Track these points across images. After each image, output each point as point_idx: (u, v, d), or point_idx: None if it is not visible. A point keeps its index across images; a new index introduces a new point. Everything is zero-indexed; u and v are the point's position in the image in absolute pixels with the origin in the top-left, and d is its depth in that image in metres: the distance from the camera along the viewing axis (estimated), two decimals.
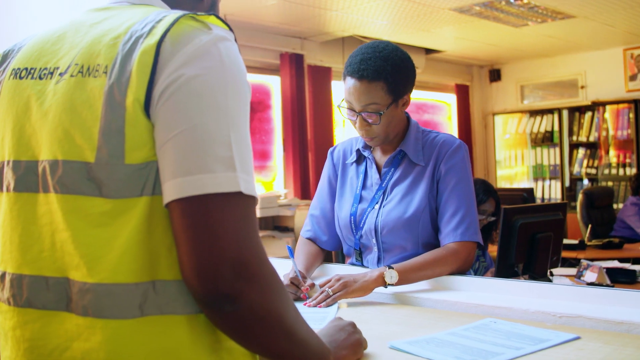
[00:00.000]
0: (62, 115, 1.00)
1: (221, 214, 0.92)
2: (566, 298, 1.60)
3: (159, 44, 0.96)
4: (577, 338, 1.34)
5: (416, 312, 1.63)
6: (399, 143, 2.01)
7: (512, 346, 1.28)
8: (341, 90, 1.98)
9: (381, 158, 2.05)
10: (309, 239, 2.14)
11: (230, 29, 1.07)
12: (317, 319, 1.59)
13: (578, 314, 1.46)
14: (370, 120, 1.91)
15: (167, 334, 0.97)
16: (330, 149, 2.21)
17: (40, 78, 1.05)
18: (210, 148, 0.93)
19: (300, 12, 5.48)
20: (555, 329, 1.42)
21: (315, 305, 1.69)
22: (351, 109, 1.93)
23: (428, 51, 7.29)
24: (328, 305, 1.69)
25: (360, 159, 2.10)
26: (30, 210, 1.03)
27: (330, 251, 2.22)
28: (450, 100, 8.35)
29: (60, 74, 1.03)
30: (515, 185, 8.16)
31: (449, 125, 8.38)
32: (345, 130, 6.76)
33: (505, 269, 2.93)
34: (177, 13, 1.00)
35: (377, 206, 1.99)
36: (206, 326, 0.98)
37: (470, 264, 1.91)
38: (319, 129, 6.43)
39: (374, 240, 1.98)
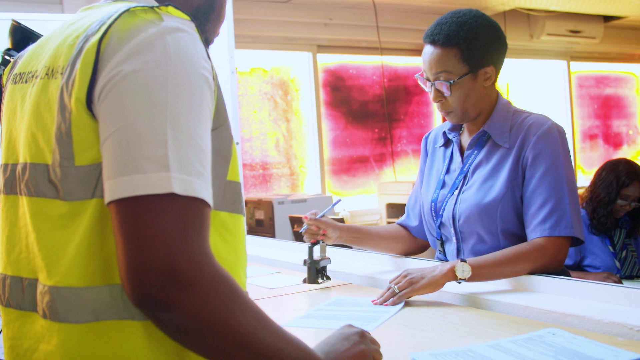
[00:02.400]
0: (30, 119, 1.01)
1: (152, 217, 0.86)
2: None
3: (100, 41, 0.92)
4: None
5: (476, 316, 1.46)
6: (484, 123, 1.81)
7: None
8: None
9: (467, 140, 1.86)
10: (399, 224, 2.04)
11: (192, 19, 1.01)
12: (370, 317, 1.48)
13: None
14: (442, 90, 1.75)
15: (123, 339, 0.94)
16: (426, 134, 2.06)
17: (26, 82, 1.07)
18: (142, 147, 0.87)
19: None
20: (626, 345, 1.18)
21: (381, 304, 1.58)
22: (427, 78, 1.78)
23: (607, 18, 6.62)
24: (395, 304, 1.57)
25: (448, 142, 1.93)
26: (15, 212, 1.05)
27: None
28: (637, 71, 7.54)
29: (36, 77, 1.04)
30: None
31: (638, 99, 7.58)
32: None
33: None
34: (129, 6, 0.96)
35: (456, 192, 1.81)
36: None
37: (562, 262, 1.67)
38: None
39: (452, 230, 1.81)
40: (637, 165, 2.99)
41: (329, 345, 1.10)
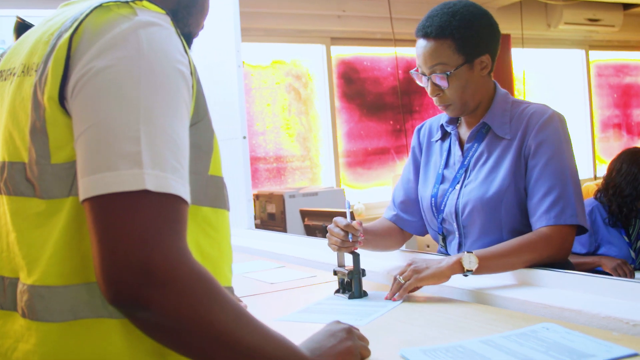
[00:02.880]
0: (7, 117, 1.01)
1: (125, 215, 0.85)
2: None
3: (71, 37, 0.92)
4: (634, 355, 1.08)
5: (473, 311, 1.43)
6: (484, 115, 1.78)
7: None
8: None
9: (465, 133, 1.83)
10: (388, 219, 1.99)
11: (174, 13, 1.00)
12: (366, 312, 1.46)
13: None
14: (439, 83, 1.72)
15: (102, 338, 0.94)
16: (418, 126, 2.03)
17: (5, 79, 1.06)
18: (114, 144, 0.86)
19: None
20: (620, 340, 1.16)
21: (390, 298, 1.55)
22: (422, 73, 1.75)
23: (626, 6, 6.51)
24: (401, 297, 1.54)
25: (445, 135, 1.90)
26: (1, 211, 1.05)
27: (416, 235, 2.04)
28: None
29: (14, 75, 1.03)
30: None
31: None
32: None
33: None
34: (102, 1, 0.95)
35: (458, 186, 1.78)
36: None
37: (568, 251, 1.63)
38: None
39: (454, 224, 1.78)
40: None
41: (315, 342, 1.08)
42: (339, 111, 5.55)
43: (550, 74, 6.74)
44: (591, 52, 6.94)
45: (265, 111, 5.26)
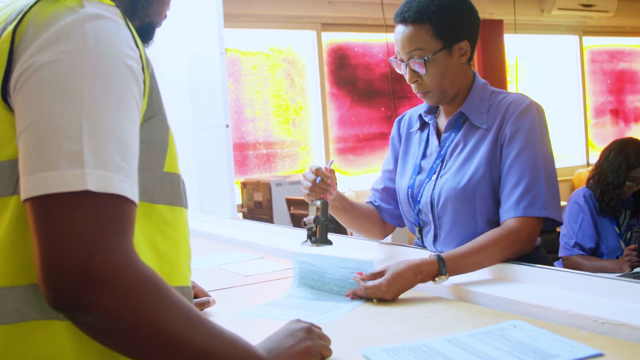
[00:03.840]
0: None
1: (66, 216, 0.82)
2: (635, 300, 1.28)
3: (15, 30, 0.89)
4: (599, 355, 1.06)
5: (443, 307, 1.41)
6: (461, 104, 1.75)
7: None
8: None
9: (444, 123, 1.80)
10: (370, 203, 1.98)
11: (118, 5, 0.96)
12: (333, 307, 1.44)
13: (623, 322, 1.16)
14: (417, 69, 1.69)
15: (49, 340, 0.91)
16: (399, 117, 2.00)
17: None
18: (55, 142, 0.83)
19: None
20: (587, 339, 1.13)
21: (351, 296, 1.52)
22: (401, 60, 1.72)
23: None
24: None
25: (424, 125, 1.87)
26: None
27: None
28: None
29: None
30: None
31: None
32: (519, 88, 6.25)
33: None
34: None
35: (434, 176, 1.75)
36: None
37: (533, 243, 1.60)
38: None
39: (430, 215, 1.75)
40: None
41: (273, 342, 1.06)
42: (329, 98, 5.51)
43: (543, 60, 6.70)
44: (585, 38, 6.89)
45: (255, 98, 5.22)
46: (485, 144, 1.67)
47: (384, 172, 1.97)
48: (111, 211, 0.85)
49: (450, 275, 1.50)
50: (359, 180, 5.50)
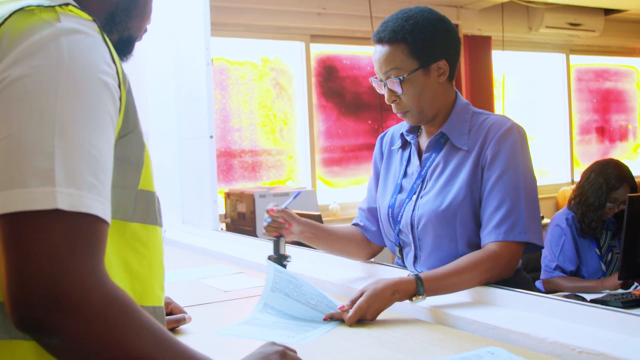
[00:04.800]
0: None
1: (35, 235, 0.80)
2: (613, 329, 1.27)
3: None
4: None
5: (421, 330, 1.39)
6: (443, 124, 1.75)
7: None
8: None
9: (425, 142, 1.79)
10: (355, 225, 1.96)
11: (94, 20, 0.94)
12: (311, 328, 1.43)
13: (600, 352, 1.15)
14: (394, 89, 1.69)
15: None
16: (381, 134, 1.99)
17: None
18: (25, 159, 0.81)
19: None
20: None
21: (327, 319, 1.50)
22: (380, 80, 1.72)
23: (607, 12, 6.51)
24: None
25: (406, 144, 1.86)
26: None
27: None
28: (638, 65, 7.43)
29: None
30: None
31: (638, 94, 7.47)
32: (506, 105, 6.28)
33: (630, 269, 2.50)
34: (24, 5, 0.90)
35: (414, 197, 1.74)
36: None
37: (514, 268, 1.60)
38: (477, 104, 6.01)
39: (410, 236, 1.74)
40: (626, 167, 2.89)
41: None
42: (317, 109, 5.51)
43: (530, 77, 6.74)
44: (572, 57, 6.94)
45: (242, 107, 5.20)
46: (466, 167, 1.66)
47: (369, 191, 1.96)
48: (81, 230, 0.83)
49: (427, 295, 1.49)
50: (344, 192, 5.49)
